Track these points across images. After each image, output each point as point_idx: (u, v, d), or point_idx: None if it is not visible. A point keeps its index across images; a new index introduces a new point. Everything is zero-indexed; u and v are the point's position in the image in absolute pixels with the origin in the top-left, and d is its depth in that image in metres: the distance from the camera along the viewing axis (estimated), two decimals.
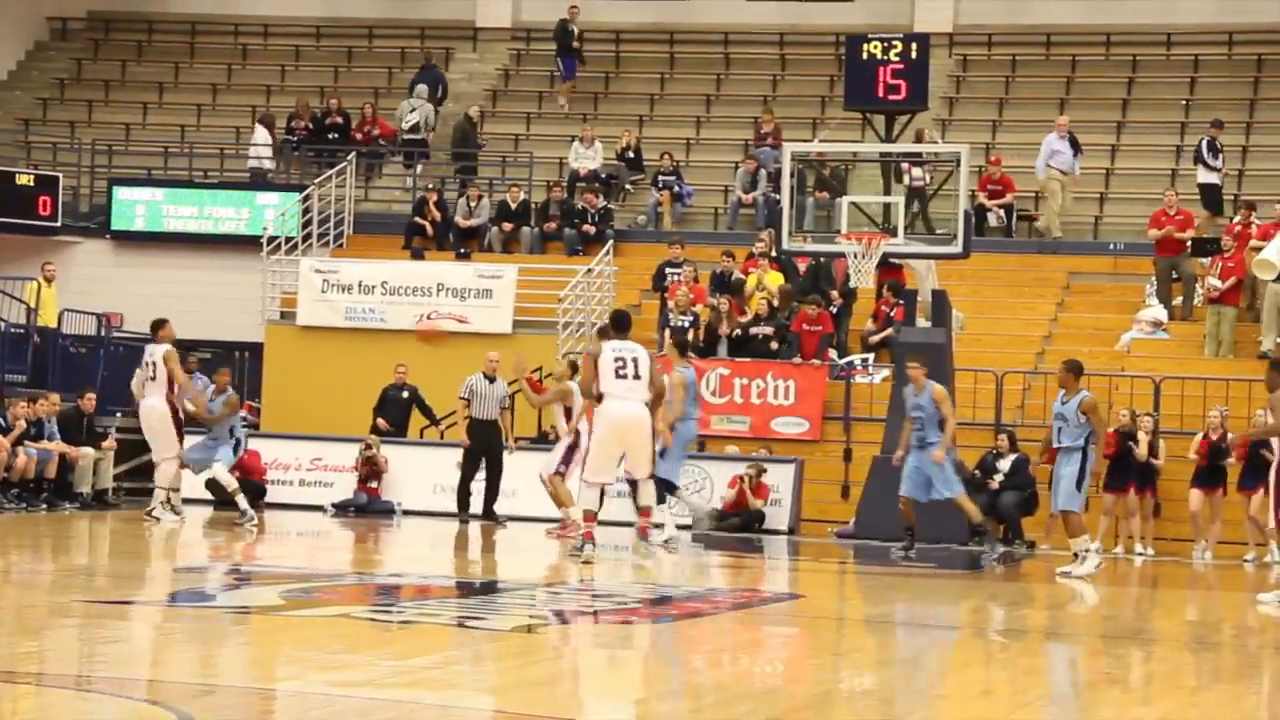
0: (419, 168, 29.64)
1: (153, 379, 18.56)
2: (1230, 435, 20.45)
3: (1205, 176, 26.16)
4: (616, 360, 15.17)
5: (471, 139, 29.39)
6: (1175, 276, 24.90)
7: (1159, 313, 24.46)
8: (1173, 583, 18.36)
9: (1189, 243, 24.74)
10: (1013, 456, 21.21)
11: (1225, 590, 17.77)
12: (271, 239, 26.43)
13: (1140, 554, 21.02)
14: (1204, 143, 26.20)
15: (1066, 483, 16.96)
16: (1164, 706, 9.14)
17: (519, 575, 15.90)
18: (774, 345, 23.95)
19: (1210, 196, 26.01)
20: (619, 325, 15.60)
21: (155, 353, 18.65)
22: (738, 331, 24.15)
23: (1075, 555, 17.08)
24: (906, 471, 18.08)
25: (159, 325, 18.87)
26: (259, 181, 28.94)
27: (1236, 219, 24.75)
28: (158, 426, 18.74)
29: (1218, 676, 10.59)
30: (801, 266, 25.04)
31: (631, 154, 28.87)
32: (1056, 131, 26.50)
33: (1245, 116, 28.74)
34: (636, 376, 15.15)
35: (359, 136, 29.64)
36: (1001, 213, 26.88)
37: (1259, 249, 23.48)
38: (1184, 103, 29.14)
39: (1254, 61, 29.62)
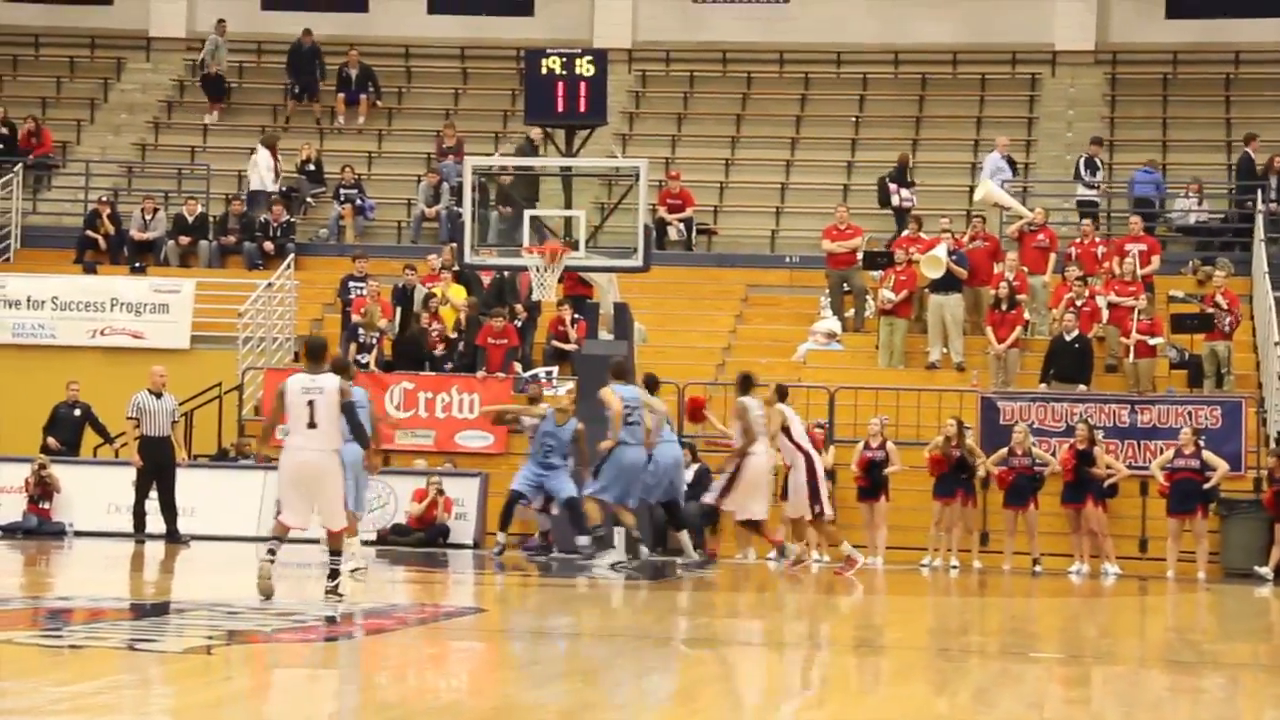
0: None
1: None
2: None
3: (1083, 193, 26.65)
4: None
5: None
6: (847, 289, 25.60)
7: (833, 324, 25.13)
8: (844, 589, 18.84)
9: (860, 256, 25.45)
10: (695, 467, 21.53)
11: (896, 595, 18.34)
12: None
13: (817, 560, 21.55)
14: (1081, 160, 26.79)
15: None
16: (832, 708, 9.40)
17: (196, 595, 15.56)
18: (449, 362, 24.03)
19: (1089, 212, 26.10)
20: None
21: None
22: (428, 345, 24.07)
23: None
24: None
25: None
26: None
27: (906, 233, 25.54)
28: None
29: (884, 678, 10.91)
30: (486, 280, 25.07)
31: (312, 167, 28.56)
32: (998, 151, 26.60)
33: (912, 134, 29.72)
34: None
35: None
36: (681, 226, 27.33)
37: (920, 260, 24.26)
38: (854, 119, 30.00)
39: (919, 81, 30.64)
